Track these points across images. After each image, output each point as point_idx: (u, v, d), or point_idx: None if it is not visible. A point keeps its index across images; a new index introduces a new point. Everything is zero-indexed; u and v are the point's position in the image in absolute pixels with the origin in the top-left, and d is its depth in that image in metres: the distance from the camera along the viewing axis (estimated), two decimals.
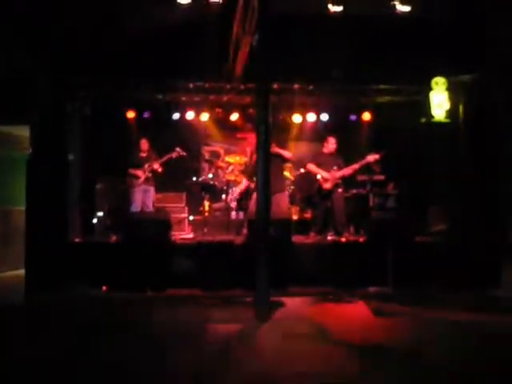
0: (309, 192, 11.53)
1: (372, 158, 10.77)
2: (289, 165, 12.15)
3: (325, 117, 12.98)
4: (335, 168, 10.68)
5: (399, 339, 6.15)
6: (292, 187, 12.31)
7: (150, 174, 11.54)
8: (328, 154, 10.96)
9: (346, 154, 11.26)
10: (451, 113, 10.52)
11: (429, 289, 8.72)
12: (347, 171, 10.78)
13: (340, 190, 10.74)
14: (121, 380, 4.85)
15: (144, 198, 11.51)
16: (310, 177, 11.27)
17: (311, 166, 10.88)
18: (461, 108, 10.74)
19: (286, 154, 10.14)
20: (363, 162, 10.78)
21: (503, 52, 9.74)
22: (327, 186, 10.60)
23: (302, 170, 12.15)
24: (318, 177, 10.75)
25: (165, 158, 11.61)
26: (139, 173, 11.46)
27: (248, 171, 10.97)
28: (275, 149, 9.68)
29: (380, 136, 12.53)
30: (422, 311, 7.58)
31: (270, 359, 5.36)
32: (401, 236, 9.31)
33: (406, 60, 9.98)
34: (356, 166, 10.81)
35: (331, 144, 11.02)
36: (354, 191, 12.02)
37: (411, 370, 5.04)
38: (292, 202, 12.20)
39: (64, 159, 9.93)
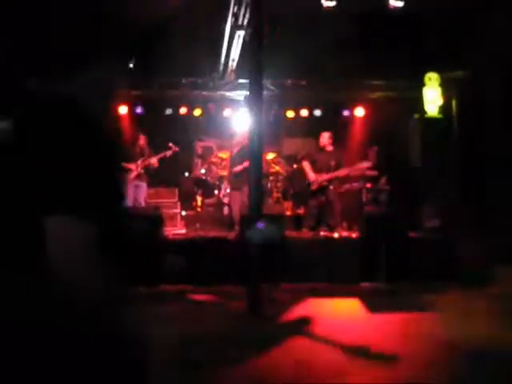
0: (302, 188, 11.51)
1: (363, 166, 10.83)
2: (281, 160, 12.16)
3: (318, 112, 12.95)
4: (332, 164, 10.64)
5: (398, 336, 6.10)
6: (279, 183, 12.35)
7: (142, 170, 11.46)
8: (324, 150, 10.90)
9: (338, 149, 11.27)
10: (444, 108, 10.52)
11: (422, 284, 8.71)
12: (336, 174, 10.67)
13: (332, 187, 10.71)
14: None
15: (136, 193, 11.43)
16: (302, 173, 11.24)
17: (305, 164, 10.83)
18: (454, 104, 10.76)
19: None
20: (353, 169, 10.79)
21: (497, 48, 9.74)
22: (313, 186, 10.63)
23: (295, 166, 12.13)
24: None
25: (159, 156, 11.51)
26: (132, 167, 11.39)
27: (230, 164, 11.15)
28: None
29: (373, 131, 12.53)
30: (417, 306, 7.55)
31: (260, 357, 5.31)
32: (394, 231, 9.30)
33: (399, 56, 9.98)
34: (345, 172, 10.71)
35: (323, 138, 10.89)
36: (347, 186, 12.03)
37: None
38: (285, 197, 12.22)
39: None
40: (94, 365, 3.48)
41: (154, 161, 11.44)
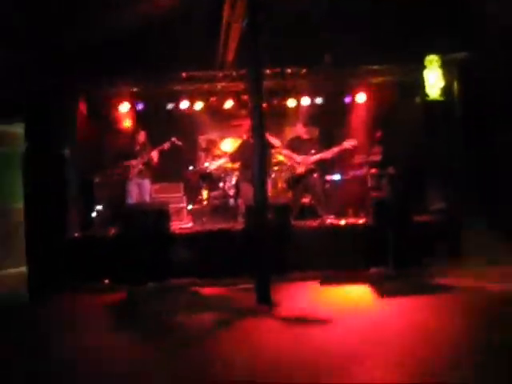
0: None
1: (348, 144, 10.70)
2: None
3: (319, 100, 12.90)
4: (312, 152, 10.78)
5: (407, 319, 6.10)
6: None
7: (142, 167, 11.38)
8: (300, 139, 11.13)
9: (341, 136, 11.28)
10: (446, 91, 10.48)
11: (429, 267, 8.71)
12: (324, 155, 10.77)
13: (315, 174, 10.81)
14: None
15: (139, 190, 11.38)
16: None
17: (285, 152, 11.06)
18: (455, 86, 10.70)
19: (274, 141, 10.37)
20: (341, 148, 10.73)
21: (498, 28, 9.68)
22: (301, 170, 10.71)
23: (274, 160, 12.13)
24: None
25: (158, 149, 11.40)
26: (133, 163, 11.34)
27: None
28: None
29: (375, 117, 12.49)
30: (425, 290, 7.55)
31: (270, 346, 5.32)
32: (400, 216, 9.28)
33: (399, 39, 9.93)
34: (335, 151, 10.77)
35: (298, 128, 11.30)
36: (352, 173, 12.03)
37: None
38: (290, 187, 12.21)
39: (60, 154, 9.91)
40: None
41: (153, 154, 11.34)
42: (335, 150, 10.73)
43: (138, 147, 11.47)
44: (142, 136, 11.55)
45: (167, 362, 4.98)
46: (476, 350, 4.81)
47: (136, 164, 11.31)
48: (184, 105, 12.60)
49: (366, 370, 4.43)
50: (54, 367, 5.00)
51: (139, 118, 12.54)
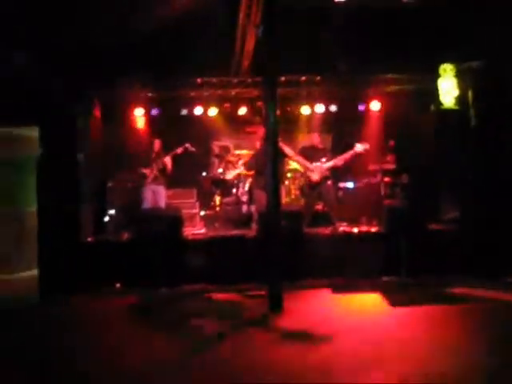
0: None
1: (360, 148, 10.56)
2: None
3: (333, 108, 12.90)
4: (324, 160, 10.71)
5: (416, 330, 6.07)
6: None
7: (157, 173, 11.42)
8: (316, 148, 11.06)
9: (354, 144, 11.24)
10: (460, 99, 10.43)
11: (442, 277, 8.65)
12: (337, 162, 10.68)
13: (329, 182, 10.73)
14: None
15: (154, 197, 11.41)
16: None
17: (298, 158, 10.93)
18: (470, 94, 10.65)
19: (288, 151, 10.29)
20: (353, 153, 10.62)
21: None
22: (315, 177, 10.61)
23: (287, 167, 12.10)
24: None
25: (171, 154, 11.46)
26: (147, 172, 11.38)
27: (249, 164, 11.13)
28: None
29: (389, 125, 12.47)
30: (438, 299, 7.50)
31: (279, 354, 5.31)
32: (413, 225, 9.25)
33: (413, 48, 9.92)
34: (347, 156, 10.65)
35: (313, 138, 11.21)
36: (366, 181, 12.01)
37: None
38: (303, 194, 12.19)
39: (74, 159, 9.96)
40: None
41: (167, 159, 11.39)
42: (347, 155, 10.66)
43: (153, 155, 11.51)
44: (157, 144, 11.60)
45: (171, 367, 4.98)
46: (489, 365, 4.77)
47: (150, 171, 11.35)
48: (198, 110, 12.66)
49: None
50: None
51: (153, 123, 12.61)
